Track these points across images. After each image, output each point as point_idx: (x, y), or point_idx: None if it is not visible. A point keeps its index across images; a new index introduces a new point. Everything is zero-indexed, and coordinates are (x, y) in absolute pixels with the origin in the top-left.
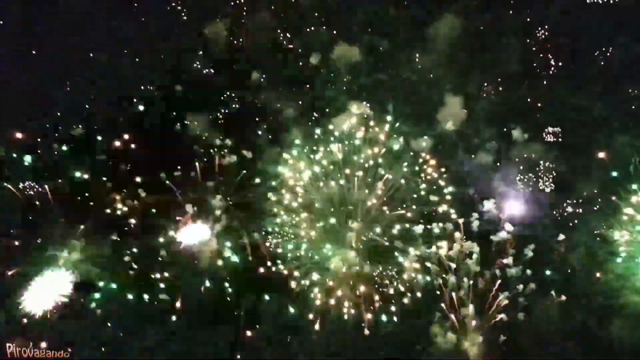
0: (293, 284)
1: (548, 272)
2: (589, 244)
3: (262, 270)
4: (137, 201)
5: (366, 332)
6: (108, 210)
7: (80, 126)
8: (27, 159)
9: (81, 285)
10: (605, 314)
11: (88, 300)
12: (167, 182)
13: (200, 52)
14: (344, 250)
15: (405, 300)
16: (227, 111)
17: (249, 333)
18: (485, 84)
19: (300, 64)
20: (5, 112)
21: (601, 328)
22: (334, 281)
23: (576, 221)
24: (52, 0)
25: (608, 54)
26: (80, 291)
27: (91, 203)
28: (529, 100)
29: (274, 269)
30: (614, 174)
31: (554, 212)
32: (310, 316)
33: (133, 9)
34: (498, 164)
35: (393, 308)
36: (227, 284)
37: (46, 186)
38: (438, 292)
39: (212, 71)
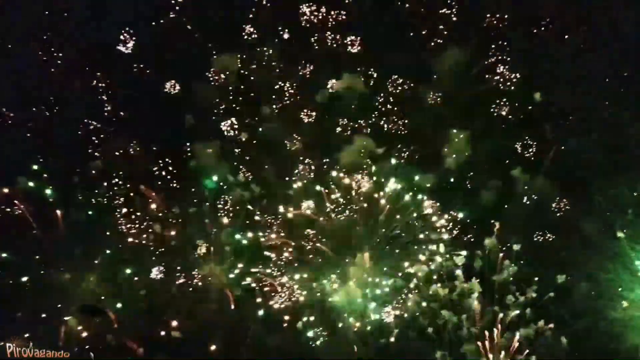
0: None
1: (549, 314)
2: (590, 286)
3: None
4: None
5: None
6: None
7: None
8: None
9: (88, 309)
10: (607, 358)
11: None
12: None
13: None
14: (348, 287)
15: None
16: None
17: None
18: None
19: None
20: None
21: None
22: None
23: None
24: None
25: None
26: (86, 314)
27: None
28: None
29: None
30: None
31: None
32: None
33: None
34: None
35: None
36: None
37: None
38: (439, 331)
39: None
